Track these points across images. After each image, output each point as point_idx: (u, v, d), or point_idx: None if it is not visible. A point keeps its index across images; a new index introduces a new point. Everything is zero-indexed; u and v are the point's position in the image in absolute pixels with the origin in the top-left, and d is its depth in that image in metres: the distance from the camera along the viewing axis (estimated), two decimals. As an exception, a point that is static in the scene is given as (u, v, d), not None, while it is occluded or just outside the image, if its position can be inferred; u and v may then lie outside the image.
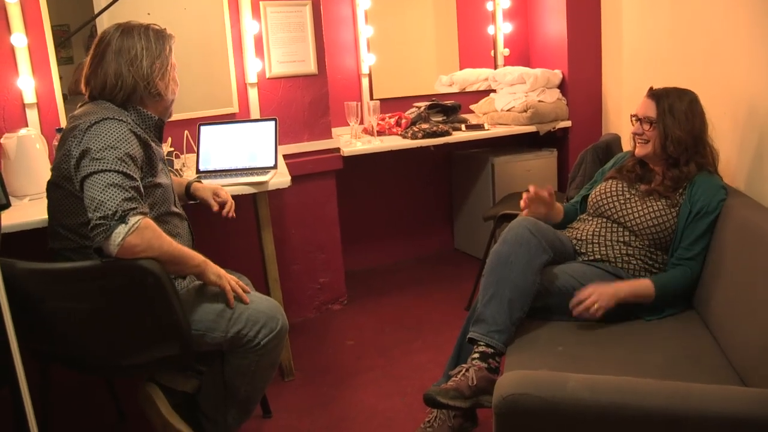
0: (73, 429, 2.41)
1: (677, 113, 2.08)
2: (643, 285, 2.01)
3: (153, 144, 1.87)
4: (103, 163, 1.66)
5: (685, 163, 2.10)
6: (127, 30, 1.87)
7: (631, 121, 2.20)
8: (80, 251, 1.78)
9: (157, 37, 1.89)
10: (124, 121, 1.76)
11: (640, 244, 2.12)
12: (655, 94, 2.14)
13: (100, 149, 1.67)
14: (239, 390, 1.95)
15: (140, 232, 1.62)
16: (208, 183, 2.29)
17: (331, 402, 2.49)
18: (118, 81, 1.83)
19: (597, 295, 1.97)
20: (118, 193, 1.63)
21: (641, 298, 2.01)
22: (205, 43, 2.90)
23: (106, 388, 2.42)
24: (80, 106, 1.88)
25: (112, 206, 1.60)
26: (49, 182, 1.84)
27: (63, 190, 1.77)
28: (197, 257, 1.82)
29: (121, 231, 1.60)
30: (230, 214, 2.20)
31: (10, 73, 2.55)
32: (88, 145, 1.69)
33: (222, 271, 1.87)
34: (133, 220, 1.61)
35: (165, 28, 1.95)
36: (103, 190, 1.62)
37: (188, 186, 2.24)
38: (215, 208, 2.18)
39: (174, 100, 2.00)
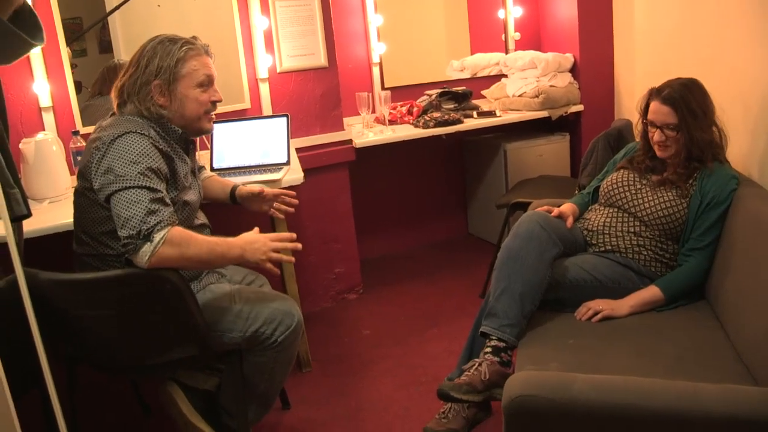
0: (100, 424, 2.49)
1: (696, 112, 2.04)
2: (651, 293, 2.04)
3: (177, 158, 1.88)
4: (126, 180, 1.69)
5: (709, 159, 2.08)
6: (149, 42, 1.87)
7: (646, 128, 2.16)
8: (99, 258, 1.84)
9: (165, 51, 1.84)
10: (146, 135, 1.78)
11: (650, 234, 2.13)
12: (667, 98, 2.07)
13: (122, 165, 1.71)
14: (258, 386, 2.00)
15: (166, 248, 1.66)
16: (249, 187, 2.22)
17: (348, 392, 2.54)
18: (122, 94, 1.87)
19: (605, 304, 2.03)
20: (140, 210, 1.66)
21: (652, 305, 2.04)
22: (215, 40, 2.87)
23: (130, 383, 2.49)
24: (111, 115, 1.91)
25: (135, 224, 1.65)
26: (75, 189, 1.88)
27: (86, 198, 1.81)
28: (234, 247, 1.77)
29: (146, 250, 1.65)
30: (293, 201, 2.21)
31: (25, 78, 2.59)
32: (111, 161, 1.72)
33: (257, 243, 1.78)
34: (157, 237, 1.66)
35: (186, 39, 1.88)
36: (127, 207, 1.67)
37: (233, 192, 2.23)
38: (270, 211, 2.17)
39: (200, 117, 1.92)
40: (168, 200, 1.76)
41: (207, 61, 1.91)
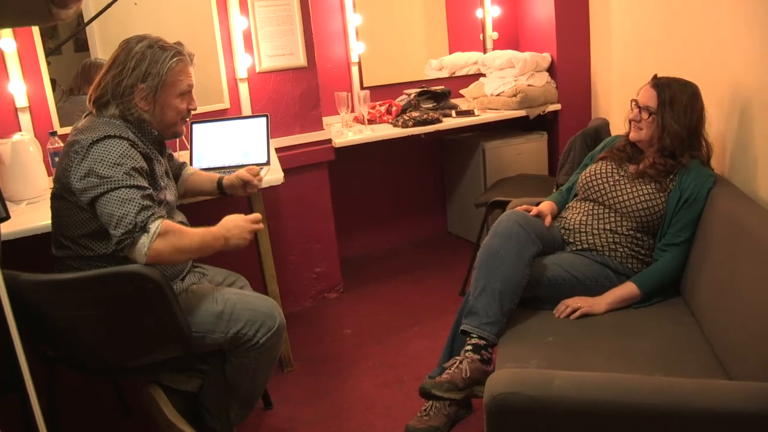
0: (81, 426, 2.47)
1: (677, 107, 2.10)
2: (628, 290, 2.08)
3: (154, 158, 1.89)
4: (112, 181, 1.70)
5: (680, 155, 2.13)
6: (135, 42, 1.85)
7: (631, 105, 2.22)
8: (81, 259, 1.83)
9: (154, 57, 1.84)
10: (125, 138, 1.78)
11: (627, 230, 2.16)
12: (657, 84, 2.14)
13: (106, 168, 1.71)
14: (241, 387, 2.01)
15: (163, 238, 1.70)
16: (237, 174, 2.28)
17: (330, 392, 2.55)
18: (104, 94, 1.84)
19: (583, 301, 2.06)
20: (134, 206, 1.69)
21: (629, 301, 2.08)
22: (193, 40, 2.86)
23: (111, 385, 2.48)
24: (84, 117, 1.90)
25: (130, 220, 1.67)
26: (52, 193, 1.86)
27: (66, 201, 1.80)
28: (219, 237, 1.85)
29: (145, 241, 1.68)
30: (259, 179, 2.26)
31: (0, 78, 2.56)
32: (93, 165, 1.72)
33: (236, 228, 1.89)
34: (153, 226, 1.69)
35: (175, 48, 1.88)
36: (120, 206, 1.68)
37: (219, 182, 2.27)
38: (255, 189, 2.26)
39: (177, 123, 1.95)
40: (151, 192, 1.78)
41: (190, 71, 1.94)
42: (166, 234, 1.71)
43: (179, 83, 1.89)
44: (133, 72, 1.82)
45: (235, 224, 1.89)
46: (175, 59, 1.86)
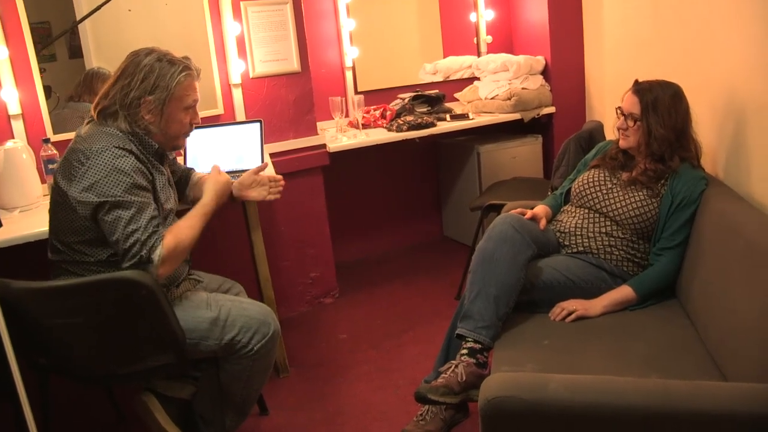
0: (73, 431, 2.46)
1: (660, 110, 2.10)
2: (623, 293, 2.07)
3: (155, 170, 1.90)
4: (115, 198, 1.72)
5: (670, 158, 2.13)
6: (144, 55, 1.86)
7: (616, 113, 2.22)
8: (75, 264, 1.83)
9: (163, 71, 1.84)
10: (129, 150, 1.79)
11: (622, 234, 2.16)
12: (639, 90, 2.14)
13: (111, 181, 1.73)
14: (235, 394, 2.00)
15: (166, 263, 1.76)
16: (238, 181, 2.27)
17: (326, 397, 2.54)
18: (111, 104, 1.84)
19: (578, 304, 2.06)
20: (137, 231, 1.73)
21: (625, 304, 2.07)
22: (187, 46, 2.90)
23: (104, 390, 2.46)
24: (86, 123, 1.90)
25: (135, 248, 1.72)
26: (51, 198, 1.86)
27: (66, 207, 1.80)
28: (207, 213, 1.97)
29: (153, 269, 1.74)
30: (281, 185, 2.29)
31: (-7, 86, 2.55)
32: (98, 176, 1.73)
33: (227, 187, 2.11)
34: (156, 255, 1.73)
35: (184, 61, 1.90)
36: (123, 229, 1.72)
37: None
38: (267, 197, 2.28)
39: (180, 137, 1.97)
40: (154, 209, 1.80)
41: (197, 86, 1.95)
42: (168, 257, 1.76)
43: (186, 98, 1.90)
44: (141, 84, 1.83)
45: (222, 187, 2.08)
46: (183, 74, 1.87)
